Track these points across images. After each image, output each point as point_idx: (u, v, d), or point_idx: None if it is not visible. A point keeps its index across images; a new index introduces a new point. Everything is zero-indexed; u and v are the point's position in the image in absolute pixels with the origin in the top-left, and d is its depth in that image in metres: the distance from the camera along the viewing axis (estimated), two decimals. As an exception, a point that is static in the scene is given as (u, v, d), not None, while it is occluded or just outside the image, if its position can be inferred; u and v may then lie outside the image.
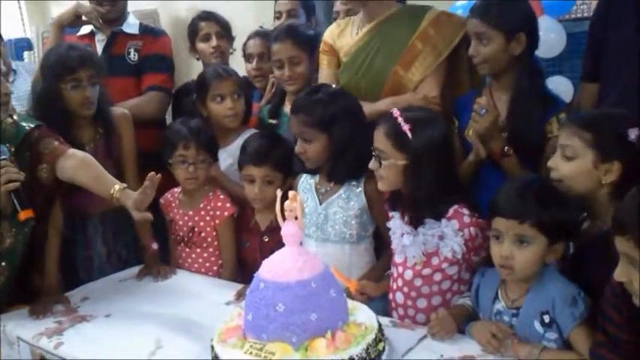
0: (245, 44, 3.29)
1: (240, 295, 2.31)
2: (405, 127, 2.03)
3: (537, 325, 1.80)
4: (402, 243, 2.09)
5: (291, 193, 1.80)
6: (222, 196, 2.65)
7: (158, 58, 3.20)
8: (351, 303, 1.90)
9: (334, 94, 2.38)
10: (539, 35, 2.34)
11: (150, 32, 3.29)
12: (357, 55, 2.59)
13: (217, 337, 1.82)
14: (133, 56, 3.17)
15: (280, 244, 1.83)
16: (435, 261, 2.07)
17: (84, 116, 2.60)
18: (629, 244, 1.40)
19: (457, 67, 2.56)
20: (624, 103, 2.20)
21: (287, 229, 1.79)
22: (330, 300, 1.75)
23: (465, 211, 2.01)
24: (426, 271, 2.08)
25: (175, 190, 2.75)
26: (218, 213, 2.62)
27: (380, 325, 1.83)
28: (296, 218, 1.78)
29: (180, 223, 2.69)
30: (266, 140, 2.58)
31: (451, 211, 2.01)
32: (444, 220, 2.01)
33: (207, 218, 2.64)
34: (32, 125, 2.38)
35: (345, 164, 2.30)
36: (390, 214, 2.18)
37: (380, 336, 1.78)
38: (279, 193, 1.84)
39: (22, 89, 3.48)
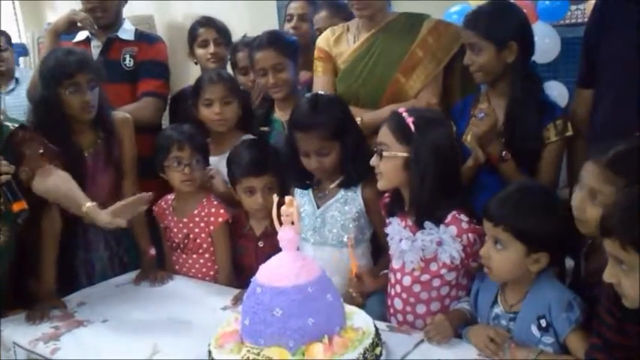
0: (234, 55, 3.27)
1: (237, 300, 2.31)
2: (409, 120, 2.04)
3: (534, 330, 1.80)
4: (400, 248, 2.09)
5: (287, 198, 1.81)
6: (215, 202, 2.64)
7: (154, 64, 3.21)
8: (348, 308, 1.90)
9: (334, 100, 2.39)
10: (534, 42, 2.36)
11: (145, 38, 3.30)
12: (356, 62, 2.60)
13: (214, 342, 1.83)
14: (129, 62, 3.17)
15: (276, 249, 1.83)
16: (433, 267, 2.07)
17: (84, 121, 2.59)
18: (615, 245, 1.42)
19: (449, 74, 2.58)
20: (619, 109, 2.21)
21: (284, 234, 1.79)
22: (327, 305, 1.76)
23: (464, 217, 2.01)
24: (425, 277, 2.09)
25: (169, 197, 2.75)
26: (212, 219, 2.62)
27: (377, 329, 1.83)
28: (292, 223, 1.79)
29: (175, 230, 2.69)
30: (258, 149, 2.58)
31: (449, 217, 2.01)
32: (442, 226, 2.01)
33: (202, 225, 2.64)
34: (16, 125, 2.38)
35: (359, 167, 2.29)
36: (388, 220, 2.19)
37: (377, 340, 1.78)
38: (275, 198, 1.85)
39: (23, 98, 3.52)
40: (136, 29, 3.31)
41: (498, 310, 1.92)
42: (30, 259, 2.46)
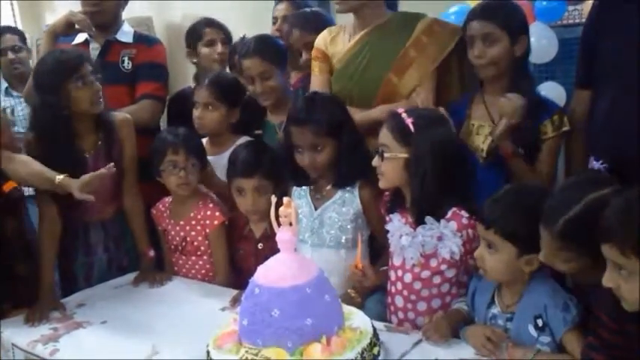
0: (233, 57, 3.25)
1: (235, 301, 2.32)
2: (408, 121, 2.05)
3: (531, 329, 1.81)
4: (400, 244, 2.10)
5: (285, 200, 1.81)
6: (211, 205, 2.64)
7: (152, 66, 3.20)
8: (346, 308, 1.91)
9: (332, 99, 2.40)
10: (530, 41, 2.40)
11: (144, 40, 3.29)
12: (350, 62, 2.60)
13: (213, 343, 1.83)
14: (127, 64, 3.16)
15: (275, 251, 1.83)
16: (433, 263, 2.08)
17: (90, 116, 2.57)
18: (613, 251, 1.42)
19: (447, 72, 2.58)
20: (617, 109, 2.22)
21: (282, 235, 1.80)
22: (325, 305, 1.76)
23: (464, 213, 2.03)
24: (425, 274, 2.09)
25: (166, 200, 2.75)
26: (208, 222, 2.62)
27: (375, 329, 1.84)
28: (291, 224, 1.79)
29: (173, 233, 2.70)
30: (252, 150, 2.57)
31: (450, 212, 2.03)
32: (442, 221, 2.03)
33: (199, 228, 2.64)
34: None
35: (354, 167, 2.30)
36: (388, 216, 2.19)
37: (375, 340, 1.79)
38: (273, 199, 1.85)
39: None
40: (135, 31, 3.30)
41: (495, 310, 1.92)
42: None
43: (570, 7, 3.48)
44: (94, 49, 3.18)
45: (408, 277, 2.12)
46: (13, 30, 4.20)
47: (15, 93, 3.97)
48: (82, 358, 2.06)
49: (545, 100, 2.41)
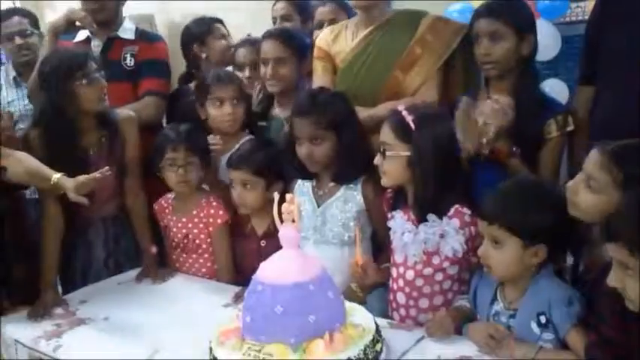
0: (234, 53, 3.27)
1: (238, 297, 2.31)
2: (409, 119, 2.05)
3: (534, 326, 1.81)
4: (402, 241, 2.10)
5: (288, 196, 1.81)
6: (215, 203, 2.63)
7: (154, 63, 3.19)
8: (348, 305, 1.91)
9: (337, 95, 2.40)
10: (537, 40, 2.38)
11: (146, 37, 3.28)
12: (354, 61, 2.60)
13: (216, 339, 1.83)
14: (129, 61, 3.15)
15: (278, 249, 1.84)
16: (435, 260, 2.08)
17: (93, 113, 2.57)
18: (622, 251, 1.41)
19: (450, 70, 2.58)
20: (620, 105, 2.22)
21: (285, 232, 1.80)
22: (328, 302, 1.76)
23: (466, 210, 2.03)
24: (427, 271, 2.09)
25: (169, 196, 2.74)
26: (211, 220, 2.62)
27: (377, 326, 1.84)
28: (293, 221, 1.79)
29: (175, 229, 2.69)
30: (249, 145, 2.59)
31: (452, 210, 2.03)
32: (445, 219, 2.03)
33: (201, 225, 2.63)
34: None
35: (353, 164, 2.31)
36: (390, 213, 2.19)
37: (377, 337, 1.79)
38: (276, 196, 1.85)
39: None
40: (137, 28, 3.29)
41: (498, 307, 1.92)
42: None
43: (573, 5, 3.49)
44: (96, 46, 3.17)
45: (410, 274, 2.12)
46: (22, 12, 3.73)
47: (24, 84, 3.53)
48: (85, 355, 2.06)
49: (550, 99, 2.40)
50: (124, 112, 2.74)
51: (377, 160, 2.12)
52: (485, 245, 1.87)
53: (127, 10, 3.35)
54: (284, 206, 1.79)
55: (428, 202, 2.05)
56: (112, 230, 2.76)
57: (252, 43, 3.18)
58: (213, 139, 2.71)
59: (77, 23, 3.07)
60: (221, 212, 2.62)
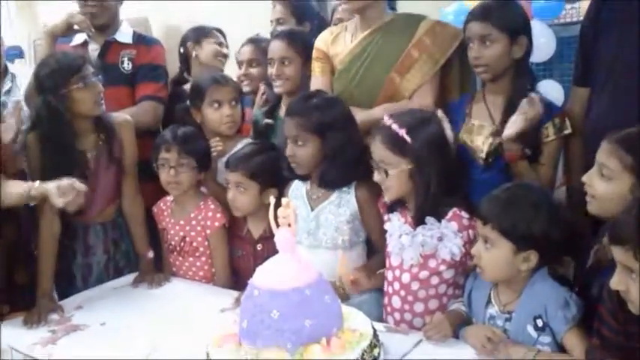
0: (238, 51, 3.31)
1: (238, 302, 2.30)
2: (402, 132, 2.04)
3: (531, 330, 1.81)
4: (399, 244, 2.10)
5: (284, 200, 1.81)
6: (212, 206, 2.63)
7: (152, 67, 3.19)
8: (345, 309, 1.90)
9: (330, 99, 2.40)
10: (532, 41, 2.37)
11: (143, 41, 3.28)
12: (352, 62, 2.60)
13: (212, 344, 1.83)
14: (127, 65, 3.15)
15: (274, 252, 1.83)
16: (432, 263, 2.08)
17: (90, 117, 2.56)
18: (627, 254, 1.42)
19: (448, 73, 2.58)
20: (615, 107, 2.21)
21: (280, 236, 1.79)
22: (325, 306, 1.76)
23: (464, 214, 2.04)
24: (423, 275, 2.09)
25: (168, 198, 2.74)
26: (209, 223, 2.61)
27: (375, 330, 1.84)
28: (289, 225, 1.79)
29: (172, 232, 2.69)
30: (248, 148, 2.59)
31: (450, 213, 2.04)
32: (443, 222, 2.04)
33: (199, 228, 2.63)
34: None
35: (337, 170, 2.31)
36: (387, 216, 2.19)
37: (375, 342, 1.79)
38: (272, 200, 1.85)
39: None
40: (134, 32, 3.29)
41: (493, 310, 1.92)
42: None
43: (568, 6, 3.49)
44: (94, 50, 3.17)
45: (405, 278, 2.12)
46: None
47: None
48: (80, 360, 2.05)
49: (547, 102, 2.38)
50: (121, 116, 2.73)
51: (377, 177, 2.12)
52: (478, 245, 1.88)
53: (121, 13, 3.34)
54: (280, 210, 1.79)
55: (427, 206, 2.05)
56: (111, 234, 2.76)
57: (254, 41, 3.20)
58: (214, 142, 2.71)
59: (75, 27, 3.06)
60: (219, 215, 2.61)
